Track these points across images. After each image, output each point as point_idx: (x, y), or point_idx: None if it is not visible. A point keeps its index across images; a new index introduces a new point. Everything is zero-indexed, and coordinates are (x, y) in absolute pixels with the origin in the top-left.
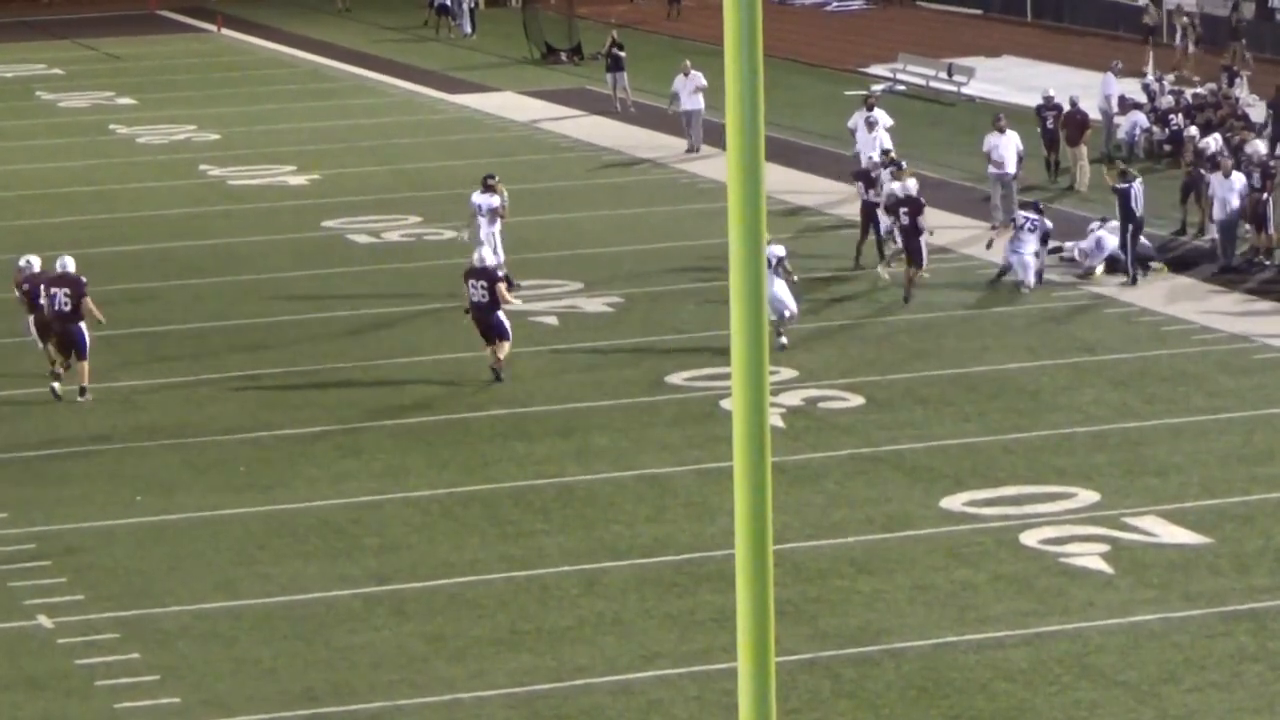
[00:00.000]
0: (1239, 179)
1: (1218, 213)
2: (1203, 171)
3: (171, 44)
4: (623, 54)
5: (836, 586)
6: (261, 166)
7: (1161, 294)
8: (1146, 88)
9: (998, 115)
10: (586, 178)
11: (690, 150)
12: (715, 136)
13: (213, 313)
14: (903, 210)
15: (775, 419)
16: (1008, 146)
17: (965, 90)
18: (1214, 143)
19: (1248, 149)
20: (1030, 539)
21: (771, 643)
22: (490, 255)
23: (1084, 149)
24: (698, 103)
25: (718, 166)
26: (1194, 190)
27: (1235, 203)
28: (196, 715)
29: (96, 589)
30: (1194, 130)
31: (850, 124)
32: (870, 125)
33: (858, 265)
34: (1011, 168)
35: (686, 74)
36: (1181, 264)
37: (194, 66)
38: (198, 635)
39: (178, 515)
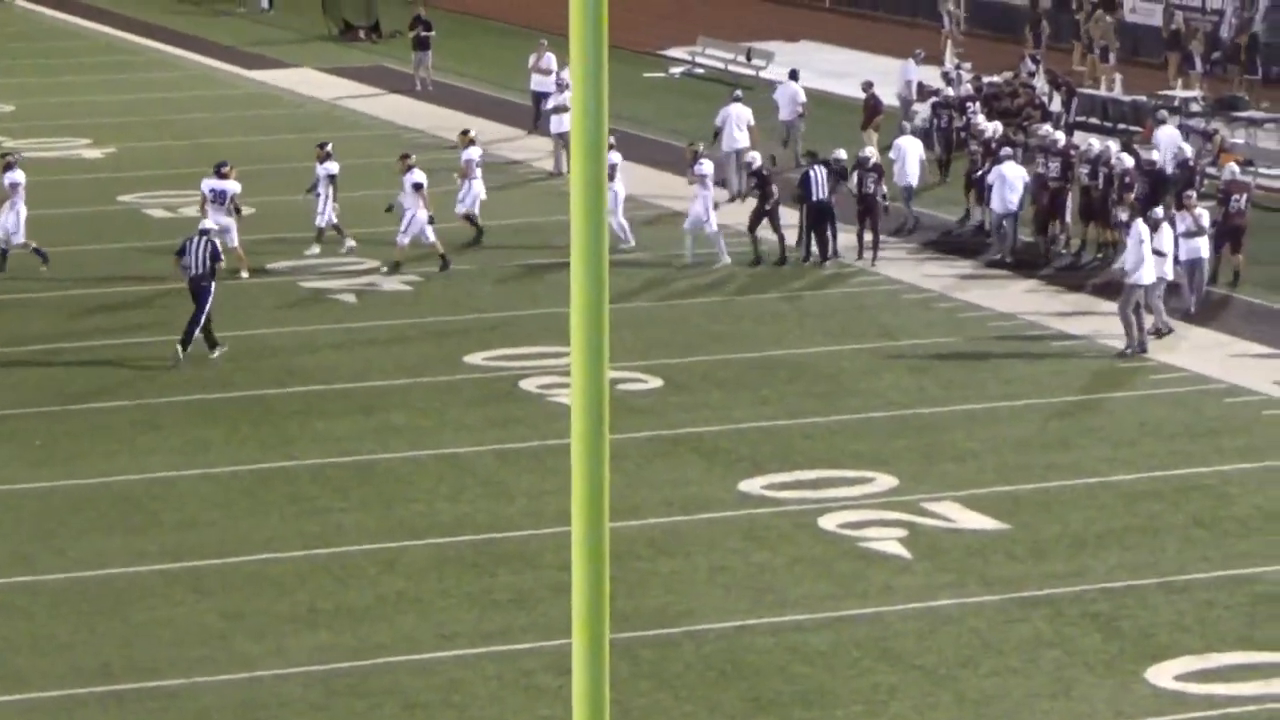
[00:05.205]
0: (1018, 170)
1: (996, 204)
2: (975, 161)
3: None
4: (430, 34)
5: (635, 568)
6: (56, 139)
7: (958, 281)
8: (945, 75)
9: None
10: (385, 155)
11: (733, 199)
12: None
13: (6, 287)
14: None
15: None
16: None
17: (764, 74)
18: (993, 130)
19: (1045, 137)
20: (829, 523)
21: (606, 621)
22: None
23: (873, 134)
24: (742, 141)
25: (524, 146)
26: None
27: (1017, 194)
28: None
29: None
30: (981, 119)
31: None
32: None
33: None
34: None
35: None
36: (967, 252)
37: None
38: None
39: None
